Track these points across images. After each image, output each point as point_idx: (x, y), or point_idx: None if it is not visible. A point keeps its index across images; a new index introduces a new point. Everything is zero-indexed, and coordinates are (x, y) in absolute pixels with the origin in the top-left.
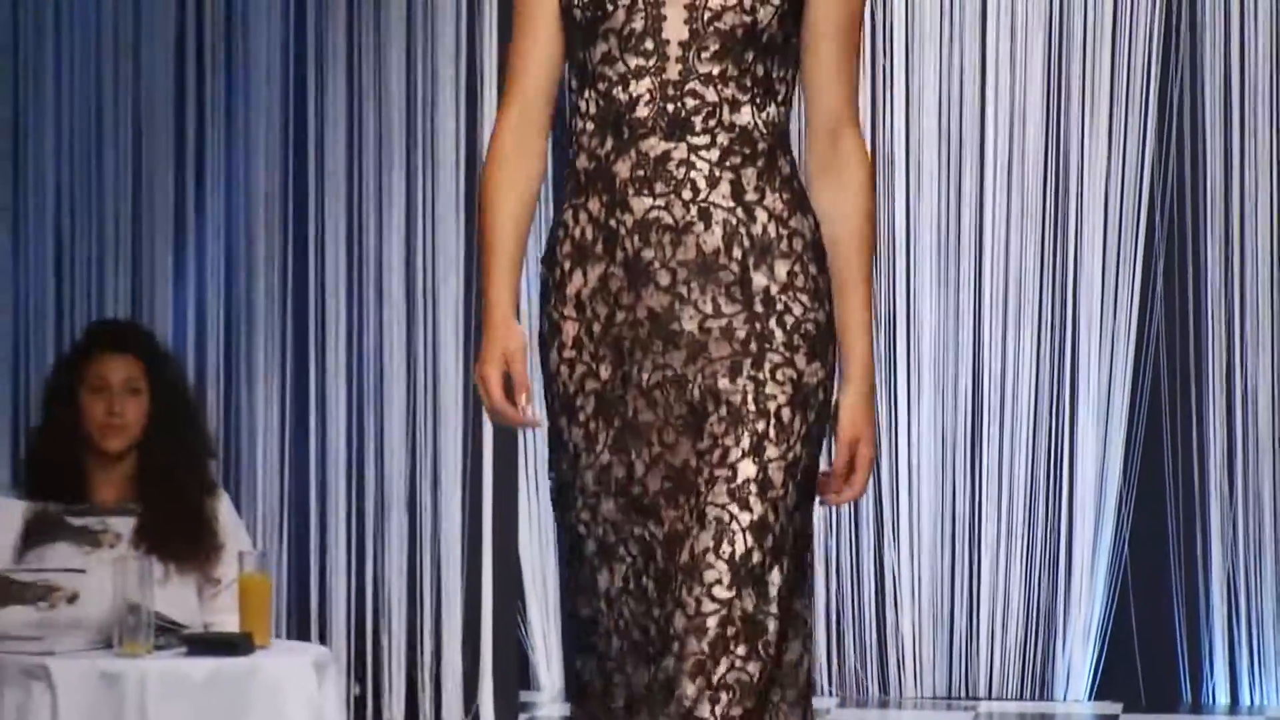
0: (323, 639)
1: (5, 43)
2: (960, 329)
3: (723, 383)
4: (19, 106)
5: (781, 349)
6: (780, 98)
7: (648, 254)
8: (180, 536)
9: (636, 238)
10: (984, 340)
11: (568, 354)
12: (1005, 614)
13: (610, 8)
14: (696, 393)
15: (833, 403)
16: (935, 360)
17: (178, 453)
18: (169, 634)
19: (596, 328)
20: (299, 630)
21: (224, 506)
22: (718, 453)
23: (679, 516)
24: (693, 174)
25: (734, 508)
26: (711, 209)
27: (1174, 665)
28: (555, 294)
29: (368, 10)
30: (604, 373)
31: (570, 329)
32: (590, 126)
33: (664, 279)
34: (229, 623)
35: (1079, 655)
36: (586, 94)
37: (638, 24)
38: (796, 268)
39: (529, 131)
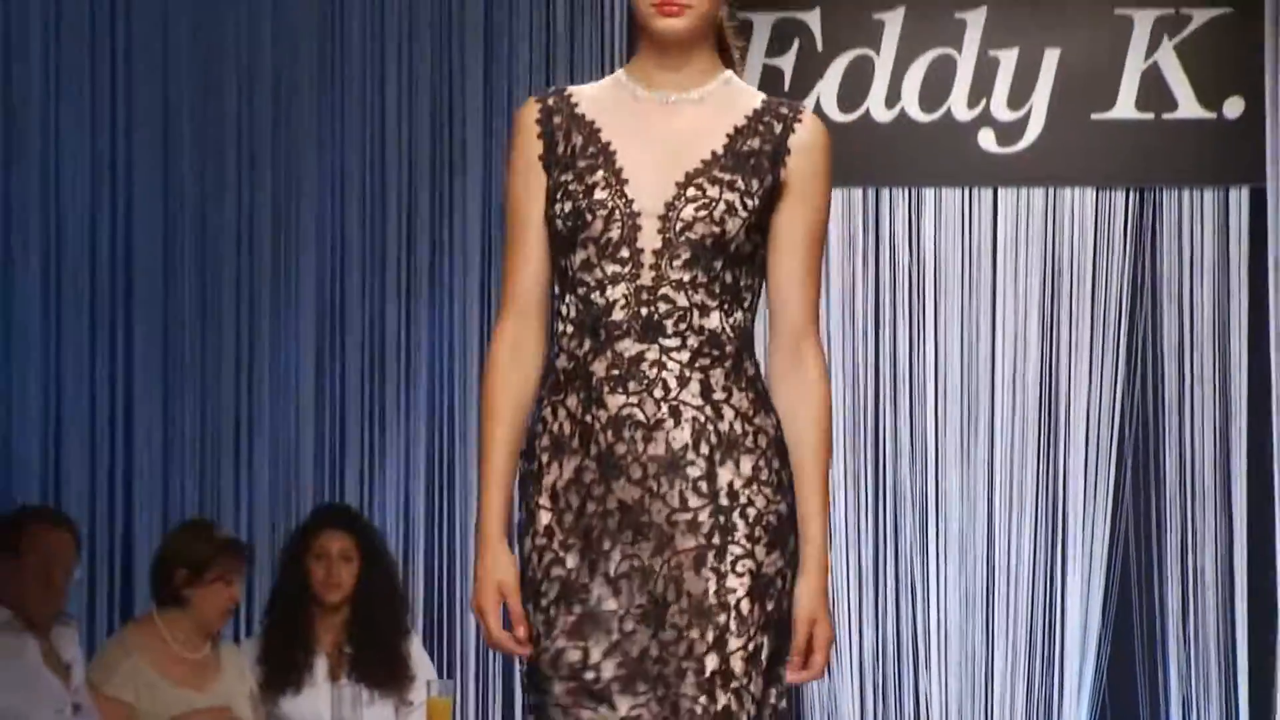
0: None
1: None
2: (976, 506)
3: (687, 575)
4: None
5: (743, 540)
6: (746, 304)
7: (620, 448)
8: (382, 669)
9: (610, 433)
10: (995, 517)
11: (539, 541)
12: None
13: (589, 218)
14: (660, 584)
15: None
16: (960, 531)
17: (380, 605)
18: None
19: (568, 518)
20: None
21: (415, 645)
22: (684, 645)
23: (635, 704)
24: (664, 374)
25: (703, 699)
26: (681, 407)
27: None
28: (533, 484)
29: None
30: (570, 561)
31: (544, 518)
32: (570, 329)
33: (635, 472)
34: None
35: None
36: (567, 298)
37: (614, 233)
38: (760, 462)
39: (525, 339)
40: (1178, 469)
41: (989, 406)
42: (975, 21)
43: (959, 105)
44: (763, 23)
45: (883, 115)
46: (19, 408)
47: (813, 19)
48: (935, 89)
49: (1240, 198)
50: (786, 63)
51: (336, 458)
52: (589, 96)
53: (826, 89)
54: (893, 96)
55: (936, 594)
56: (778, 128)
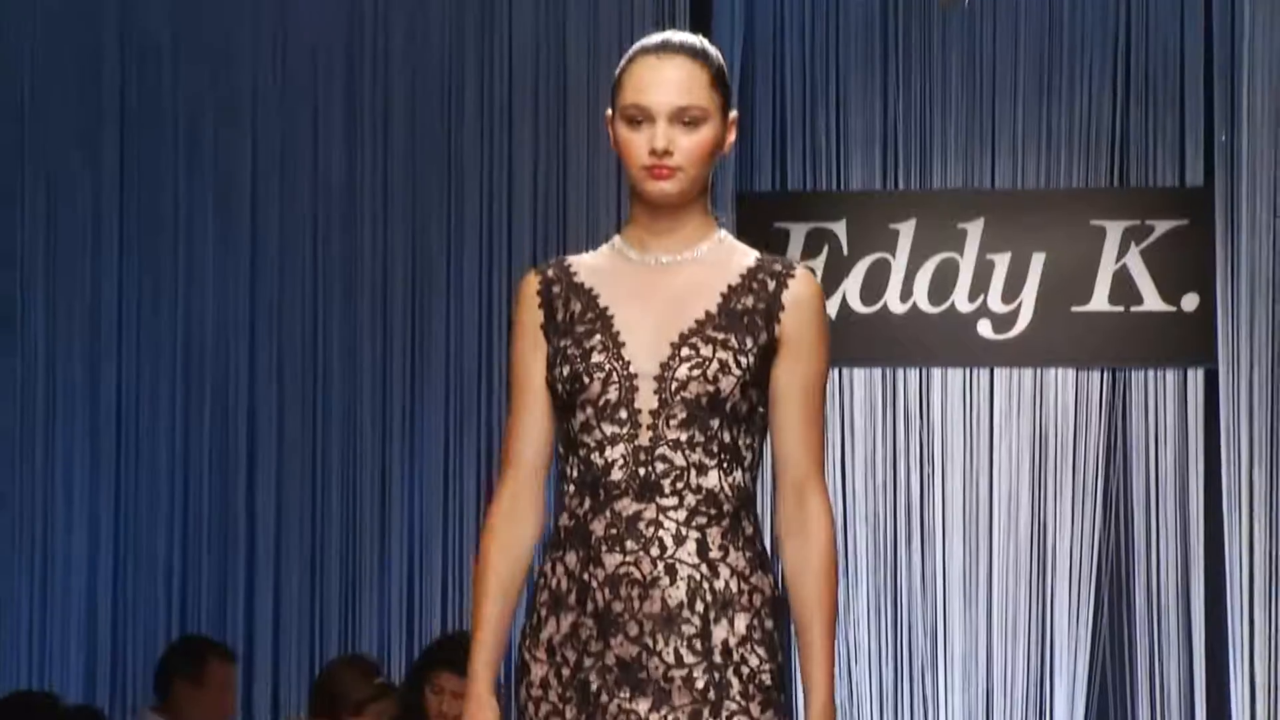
0: None
1: None
2: (978, 632)
3: None
4: None
5: (738, 698)
6: (747, 464)
7: (617, 606)
8: None
9: (607, 590)
10: (993, 641)
11: (534, 692)
12: None
13: (587, 380)
14: None
15: None
16: (964, 653)
17: None
18: None
19: (565, 672)
20: None
21: None
22: None
23: None
24: (660, 533)
25: None
26: (677, 565)
27: None
28: (531, 637)
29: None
30: (569, 713)
31: (539, 670)
32: (572, 488)
33: (632, 630)
34: None
35: None
36: (570, 459)
37: (612, 395)
38: (755, 621)
39: (522, 498)
40: (1146, 603)
41: (988, 549)
42: (974, 231)
43: (961, 299)
44: (798, 231)
45: (898, 308)
46: (195, 540)
47: (840, 228)
48: (941, 286)
49: (1196, 378)
50: (818, 264)
51: (462, 587)
52: (587, 265)
53: (851, 286)
54: (906, 292)
55: (945, 708)
56: (771, 285)
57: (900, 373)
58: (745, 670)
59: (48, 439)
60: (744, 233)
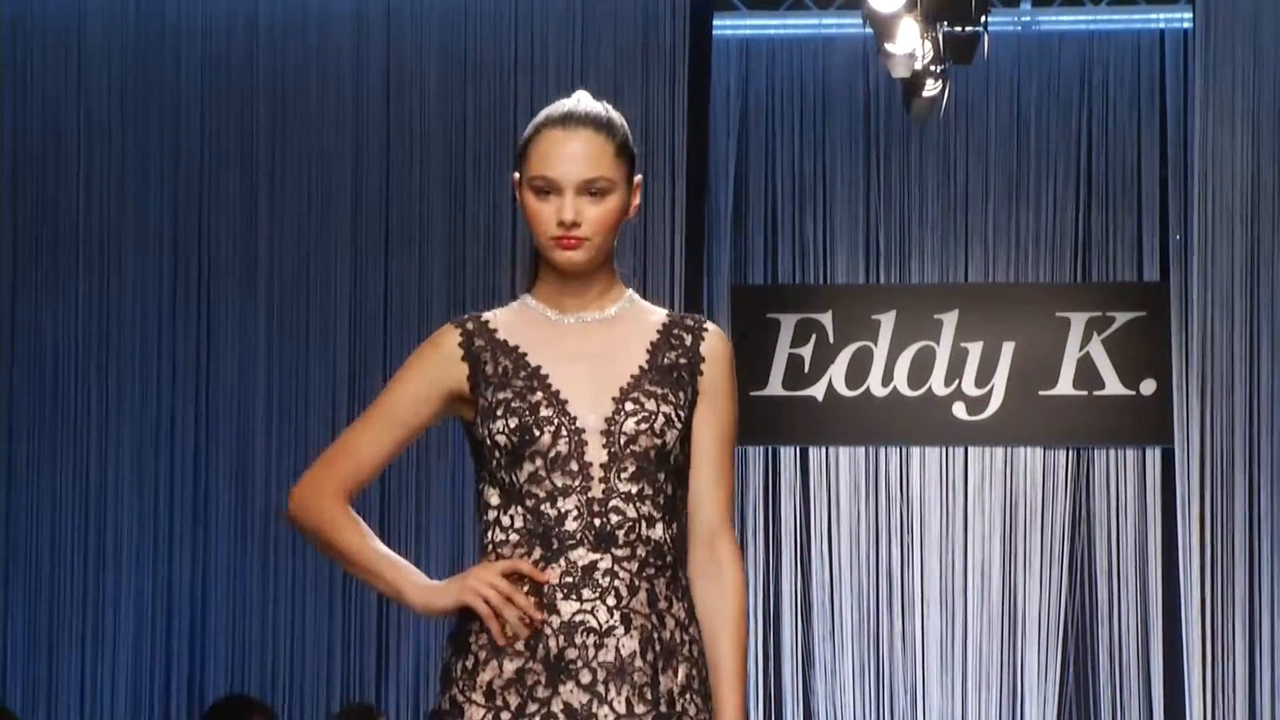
0: None
1: None
2: (954, 688)
3: None
4: None
5: None
6: (681, 517)
7: (571, 653)
8: None
9: (562, 638)
10: (968, 696)
11: None
12: None
13: (537, 433)
14: None
15: None
16: (940, 707)
17: None
18: None
19: (505, 716)
20: None
21: None
22: None
23: None
24: (616, 582)
25: None
26: (632, 615)
27: None
28: (465, 679)
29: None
30: None
31: (476, 713)
32: (515, 538)
33: (585, 677)
34: None
35: None
36: (511, 509)
37: (562, 447)
38: (694, 671)
39: (340, 501)
40: (1109, 663)
41: (963, 614)
42: (950, 321)
43: (938, 384)
44: (788, 321)
45: (880, 391)
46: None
47: (826, 319)
48: (920, 371)
49: (1154, 456)
50: (806, 351)
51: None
52: (505, 322)
53: (837, 371)
54: (887, 377)
55: None
56: (688, 339)
57: (882, 451)
58: (686, 719)
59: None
60: (738, 322)
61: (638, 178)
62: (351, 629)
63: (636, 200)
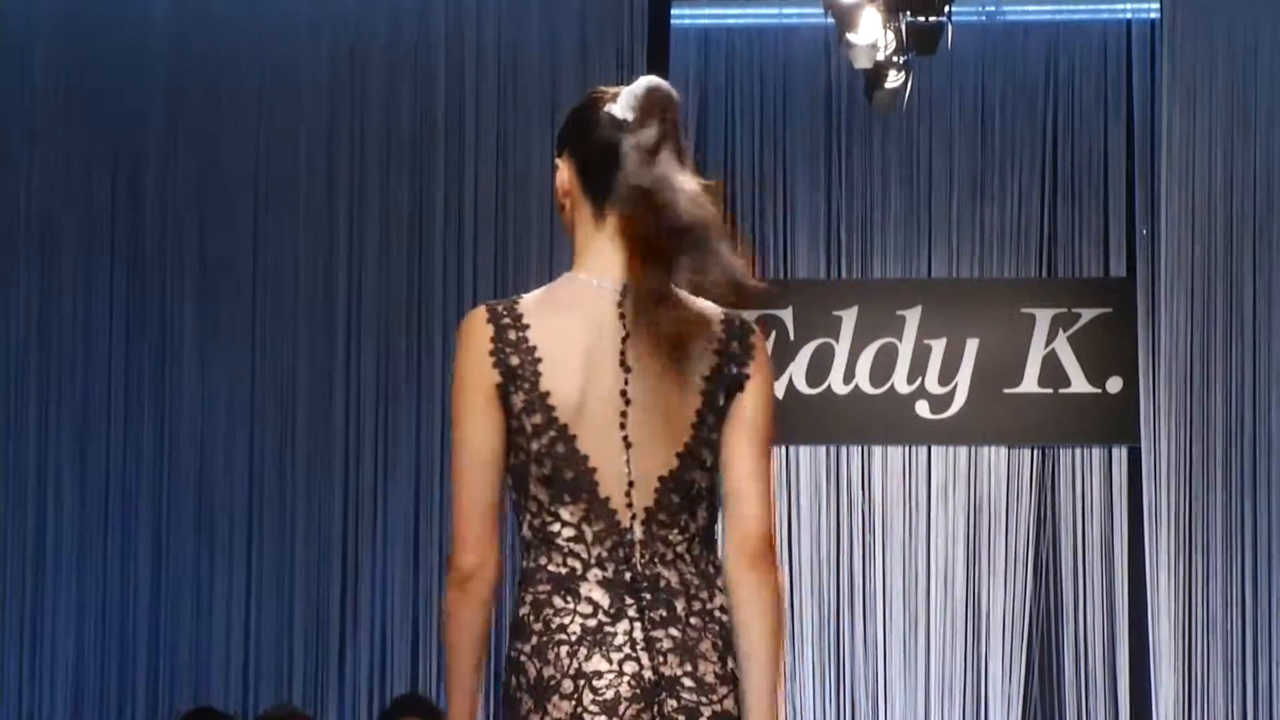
0: None
1: None
2: (917, 692)
3: None
4: None
5: None
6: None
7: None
8: None
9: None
10: (930, 700)
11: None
12: None
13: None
14: None
15: None
16: (902, 712)
17: None
18: None
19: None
20: None
21: None
22: None
23: None
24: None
25: None
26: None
27: None
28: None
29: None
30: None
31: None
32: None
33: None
34: None
35: None
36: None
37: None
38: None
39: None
40: (1074, 664)
41: (926, 615)
42: (913, 318)
43: (900, 382)
44: (747, 317)
45: (841, 389)
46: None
47: (786, 315)
48: (882, 369)
49: (1121, 455)
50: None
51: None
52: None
53: (797, 369)
54: (849, 375)
55: None
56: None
57: (843, 450)
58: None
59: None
60: None
61: (557, 159)
62: (310, 631)
63: (557, 180)
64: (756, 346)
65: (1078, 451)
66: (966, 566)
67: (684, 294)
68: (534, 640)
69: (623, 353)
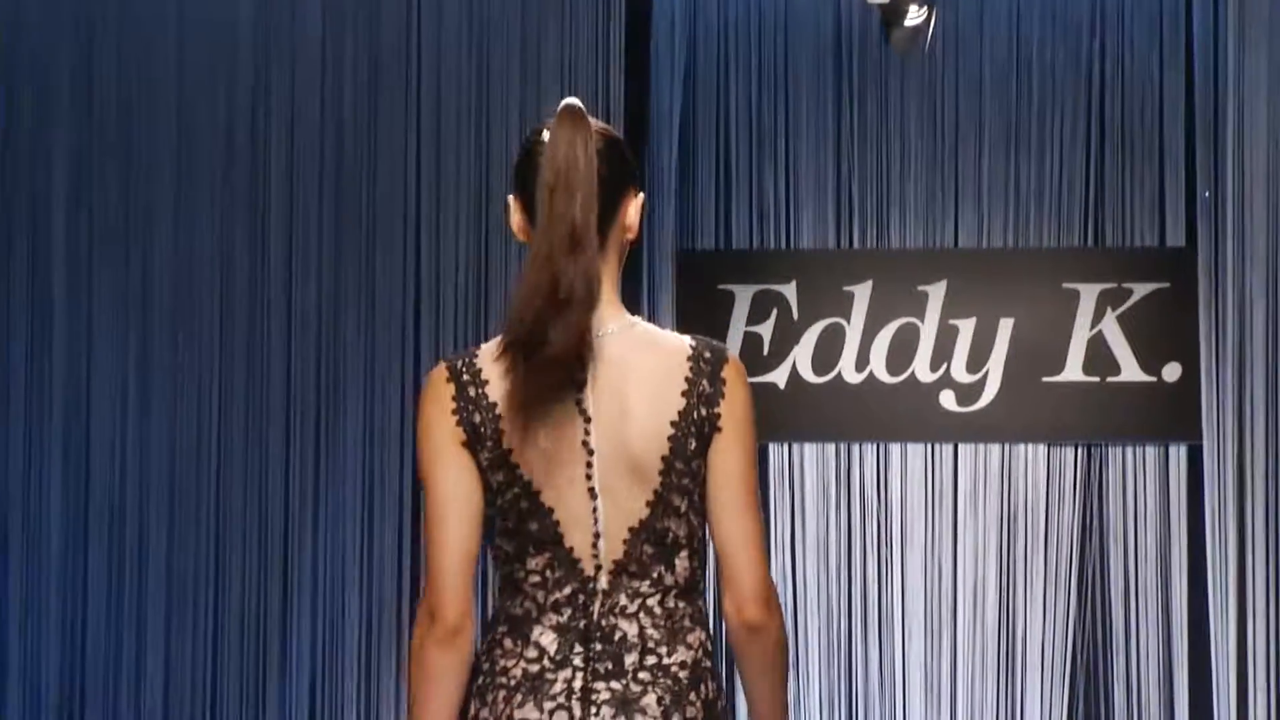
0: None
1: None
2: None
3: None
4: None
5: None
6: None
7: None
8: None
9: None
10: None
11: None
12: None
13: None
14: None
15: None
16: None
17: None
18: None
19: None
20: None
21: None
22: None
23: None
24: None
25: None
26: None
27: None
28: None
29: None
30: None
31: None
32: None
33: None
34: None
35: None
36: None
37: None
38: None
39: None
40: (1125, 704)
41: (951, 642)
42: (936, 294)
43: (922, 369)
44: (744, 294)
45: (853, 377)
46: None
47: (789, 291)
48: (901, 354)
49: (1179, 454)
50: (765, 330)
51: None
52: None
53: (802, 354)
54: (862, 360)
55: None
56: None
57: (855, 448)
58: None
59: None
60: (684, 295)
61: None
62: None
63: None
64: (729, 381)
65: (1129, 450)
66: (999, 584)
67: (646, 328)
68: (479, 680)
69: (579, 401)
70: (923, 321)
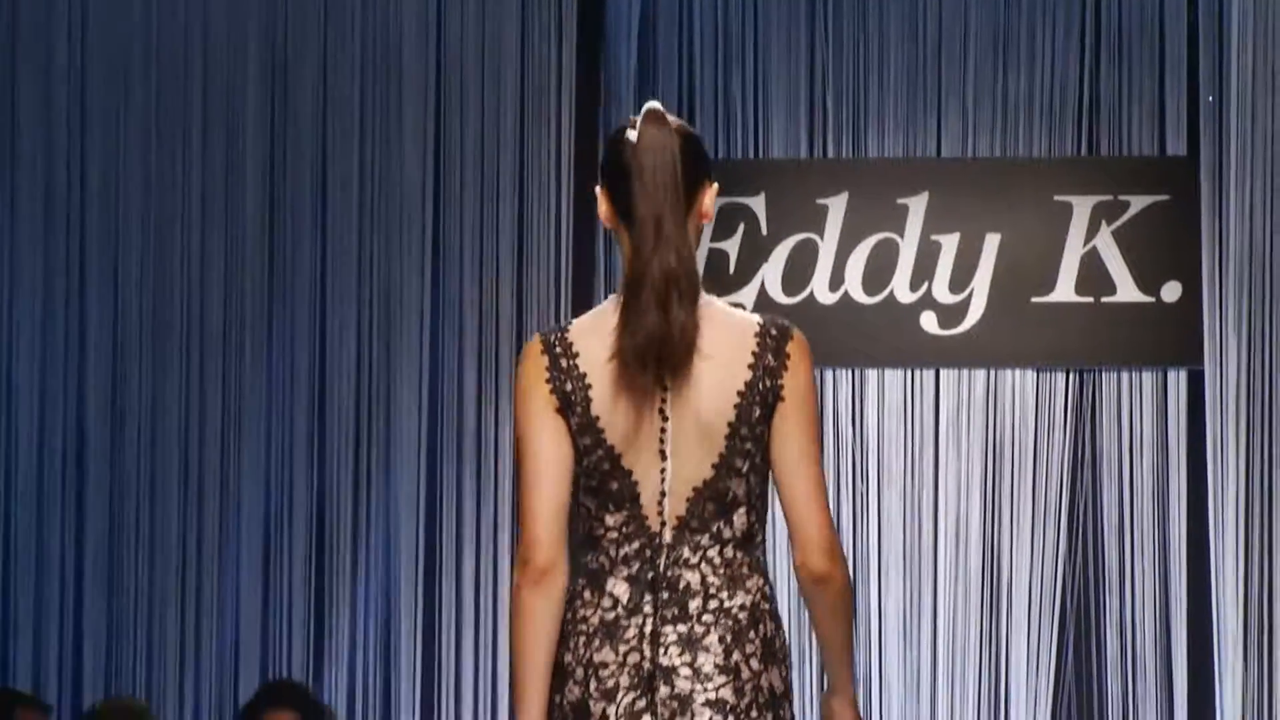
0: None
1: None
2: (920, 684)
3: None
4: None
5: None
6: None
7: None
8: None
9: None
10: (938, 693)
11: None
12: None
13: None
14: None
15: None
16: (902, 709)
17: None
18: None
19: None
20: None
21: None
22: None
23: None
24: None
25: None
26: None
27: None
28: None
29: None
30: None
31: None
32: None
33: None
34: None
35: None
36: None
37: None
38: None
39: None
40: (1118, 647)
41: (931, 582)
42: (917, 207)
43: (902, 288)
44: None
45: (827, 298)
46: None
47: (758, 204)
48: (878, 272)
49: (1178, 379)
50: (732, 246)
51: (283, 634)
52: None
53: (771, 272)
54: (836, 280)
55: None
56: None
57: (829, 374)
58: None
59: None
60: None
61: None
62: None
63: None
64: (792, 356)
65: (1125, 375)
66: (984, 521)
67: (720, 305)
68: (563, 629)
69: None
70: (902, 237)
